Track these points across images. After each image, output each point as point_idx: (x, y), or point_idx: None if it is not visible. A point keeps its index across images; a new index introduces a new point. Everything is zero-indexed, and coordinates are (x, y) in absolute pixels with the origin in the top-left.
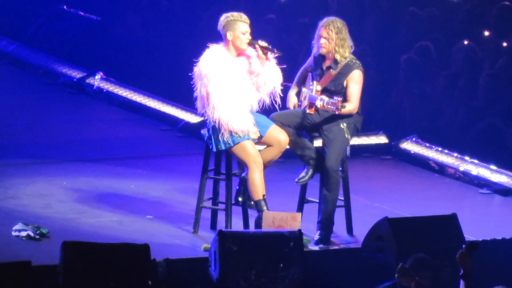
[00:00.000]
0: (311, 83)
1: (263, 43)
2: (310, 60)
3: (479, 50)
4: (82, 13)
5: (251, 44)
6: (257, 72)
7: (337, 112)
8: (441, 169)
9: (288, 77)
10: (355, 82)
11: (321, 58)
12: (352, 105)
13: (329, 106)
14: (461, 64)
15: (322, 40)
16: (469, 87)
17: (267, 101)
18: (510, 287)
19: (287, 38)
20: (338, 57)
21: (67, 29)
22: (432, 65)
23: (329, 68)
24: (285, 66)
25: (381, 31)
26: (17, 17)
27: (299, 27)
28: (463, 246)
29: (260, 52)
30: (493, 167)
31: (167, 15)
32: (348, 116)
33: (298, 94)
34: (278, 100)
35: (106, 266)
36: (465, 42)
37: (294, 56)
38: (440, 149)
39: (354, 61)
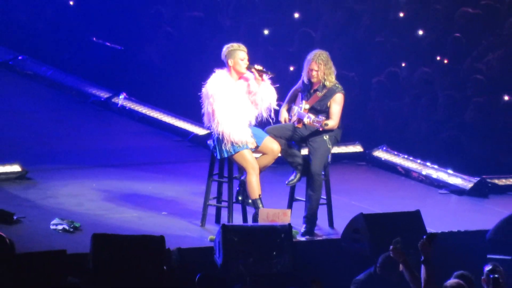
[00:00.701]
0: (300, 102)
1: (258, 67)
2: (299, 83)
3: (437, 74)
4: (108, 44)
5: (249, 68)
6: (255, 92)
7: (321, 129)
8: (407, 173)
9: (279, 96)
10: (337, 103)
11: (309, 82)
12: (333, 122)
13: (314, 124)
14: (423, 85)
15: (314, 73)
16: (430, 104)
17: (265, 115)
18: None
19: (277, 63)
20: (327, 83)
21: (96, 57)
22: (399, 86)
23: (316, 90)
24: (278, 85)
25: (357, 58)
26: (55, 47)
27: (287, 55)
28: (424, 236)
29: (257, 74)
30: (450, 171)
31: (178, 45)
32: (330, 130)
33: (289, 110)
34: (273, 114)
35: (128, 254)
36: (425, 68)
37: (282, 79)
38: (406, 156)
39: (337, 85)
